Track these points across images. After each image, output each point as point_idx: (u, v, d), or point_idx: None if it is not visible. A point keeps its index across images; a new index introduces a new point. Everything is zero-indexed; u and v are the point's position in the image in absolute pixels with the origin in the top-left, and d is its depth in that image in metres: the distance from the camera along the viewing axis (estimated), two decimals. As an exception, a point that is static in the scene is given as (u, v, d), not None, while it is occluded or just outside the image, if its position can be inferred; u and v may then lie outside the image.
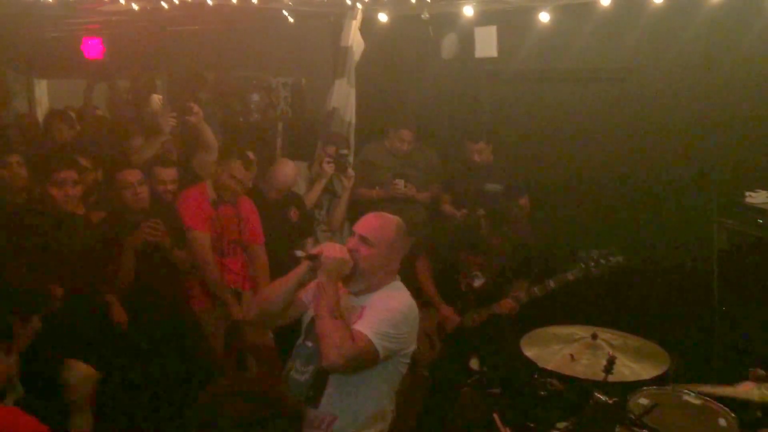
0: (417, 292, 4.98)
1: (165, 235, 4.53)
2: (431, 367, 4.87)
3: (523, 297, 4.82)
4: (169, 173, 4.83)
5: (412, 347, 3.06)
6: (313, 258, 2.99)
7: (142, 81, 7.61)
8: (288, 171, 5.35)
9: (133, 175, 4.60)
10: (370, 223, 3.13)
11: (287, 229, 5.32)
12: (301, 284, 3.13)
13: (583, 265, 4.60)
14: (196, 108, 5.19)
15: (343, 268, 2.97)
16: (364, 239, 3.06)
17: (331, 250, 2.98)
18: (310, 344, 3.10)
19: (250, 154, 5.24)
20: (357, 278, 3.06)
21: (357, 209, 5.95)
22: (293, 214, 5.40)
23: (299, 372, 3.08)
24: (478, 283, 4.77)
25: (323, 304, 2.89)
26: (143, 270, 4.55)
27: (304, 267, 3.06)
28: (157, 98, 7.27)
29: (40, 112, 7.73)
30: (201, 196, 4.81)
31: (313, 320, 3.04)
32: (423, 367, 4.95)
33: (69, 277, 4.06)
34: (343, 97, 6.14)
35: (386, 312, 2.93)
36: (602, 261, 4.57)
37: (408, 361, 3.07)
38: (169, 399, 4.24)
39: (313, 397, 2.99)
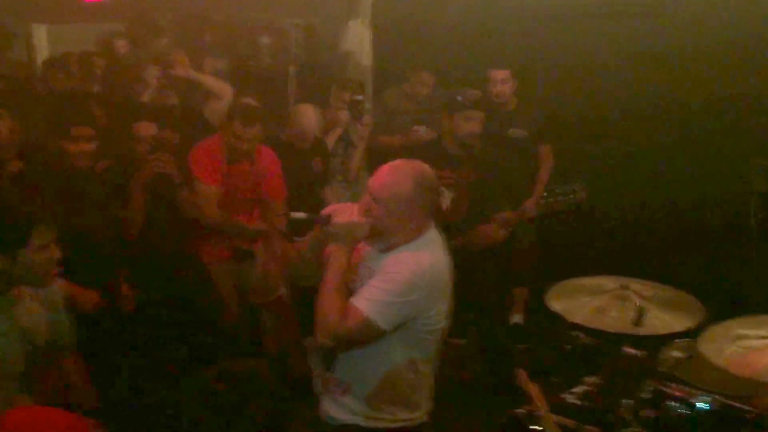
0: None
1: (174, 168, 4.48)
2: None
3: (499, 223, 4.71)
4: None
5: (438, 310, 2.87)
6: (322, 221, 2.87)
7: (144, 23, 7.56)
8: (310, 115, 5.26)
9: (147, 129, 4.58)
10: (382, 178, 2.88)
11: (310, 180, 5.31)
12: (321, 245, 2.99)
13: (542, 201, 4.55)
14: (178, 57, 5.16)
15: (356, 232, 2.85)
16: (374, 198, 2.86)
17: (341, 214, 2.87)
18: None
19: (251, 102, 5.23)
20: (376, 238, 2.91)
21: (376, 158, 5.96)
22: (317, 164, 5.37)
23: None
24: (445, 202, 4.68)
25: (329, 274, 2.80)
26: (152, 218, 4.51)
27: (317, 231, 2.96)
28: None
29: (40, 59, 7.71)
30: (214, 149, 4.74)
31: None
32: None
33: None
34: (358, 40, 6.10)
35: (389, 279, 2.75)
36: (560, 198, 4.49)
37: (438, 325, 2.89)
38: (176, 358, 4.28)
39: (328, 361, 2.98)
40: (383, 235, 2.88)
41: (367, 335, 2.77)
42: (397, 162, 2.93)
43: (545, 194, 4.54)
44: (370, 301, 2.73)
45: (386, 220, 2.84)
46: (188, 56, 5.74)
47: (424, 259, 2.83)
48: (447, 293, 2.92)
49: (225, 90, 5.49)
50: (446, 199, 4.70)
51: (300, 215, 2.93)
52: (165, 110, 5.26)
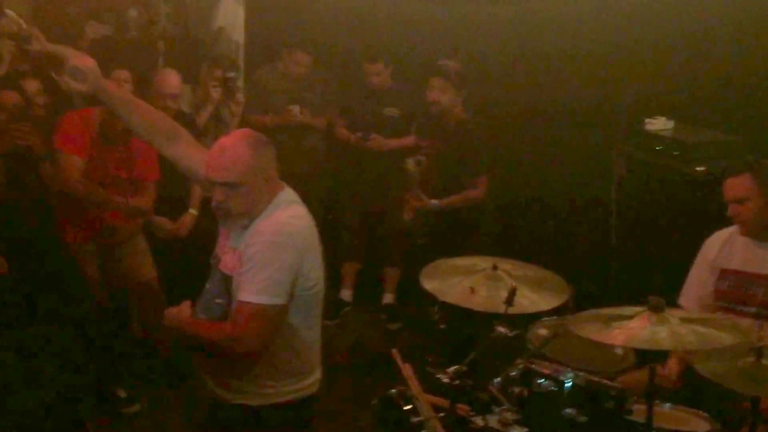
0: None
1: (38, 140, 4.31)
2: None
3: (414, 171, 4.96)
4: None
5: (311, 266, 2.82)
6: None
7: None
8: (172, 80, 5.08)
9: (9, 97, 4.38)
10: (217, 162, 2.76)
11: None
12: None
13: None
14: (32, 32, 4.92)
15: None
16: (228, 185, 2.74)
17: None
18: (220, 301, 2.88)
19: (123, 72, 5.04)
20: (236, 221, 2.83)
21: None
22: None
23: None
24: (410, 166, 4.91)
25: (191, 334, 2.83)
26: (10, 193, 4.34)
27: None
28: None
29: None
30: (85, 121, 4.52)
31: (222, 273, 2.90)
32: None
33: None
34: (231, 15, 5.97)
35: (254, 257, 2.71)
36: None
37: (315, 285, 2.84)
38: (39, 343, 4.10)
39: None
40: (243, 216, 2.81)
41: (274, 320, 2.71)
42: (223, 138, 2.88)
43: None
44: (251, 289, 2.68)
45: (248, 197, 2.76)
46: (52, 27, 5.47)
47: (281, 218, 2.78)
48: (317, 250, 2.88)
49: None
50: (410, 165, 4.92)
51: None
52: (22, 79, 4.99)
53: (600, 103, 5.49)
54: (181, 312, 2.83)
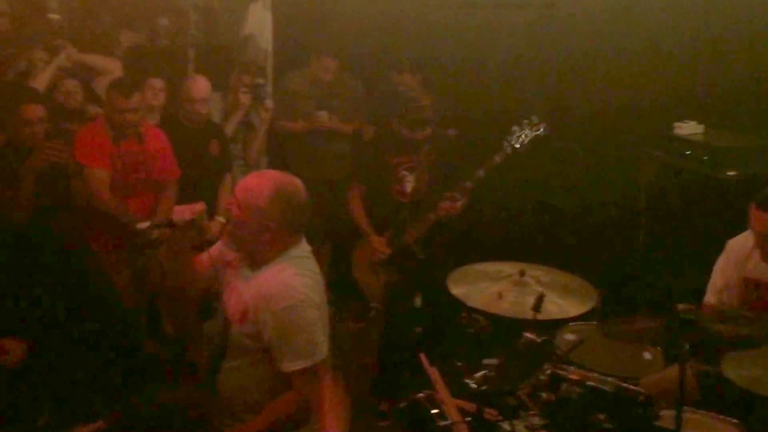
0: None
1: (69, 157, 4.40)
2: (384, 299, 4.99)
3: (457, 195, 4.82)
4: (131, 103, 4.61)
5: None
6: (168, 224, 2.87)
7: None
8: (201, 85, 5.19)
9: (35, 111, 4.38)
10: (246, 182, 2.89)
11: (207, 164, 5.23)
12: (179, 253, 3.01)
13: (506, 144, 4.69)
14: (63, 44, 5.07)
15: (197, 223, 2.90)
16: (236, 199, 2.85)
17: (180, 212, 2.88)
18: (217, 342, 2.98)
19: (157, 81, 5.14)
20: (237, 246, 2.91)
21: (277, 143, 5.95)
22: (214, 147, 5.28)
23: None
24: (409, 186, 4.83)
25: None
26: (41, 207, 4.39)
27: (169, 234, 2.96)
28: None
29: None
30: (98, 131, 4.65)
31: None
32: (374, 299, 5.06)
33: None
34: (259, 22, 6.03)
35: (285, 329, 2.75)
36: (523, 135, 4.66)
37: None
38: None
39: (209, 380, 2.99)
40: (241, 243, 2.87)
41: (322, 371, 2.81)
42: (269, 171, 2.96)
43: (506, 141, 4.71)
44: (291, 357, 2.75)
45: (241, 226, 2.83)
46: (84, 37, 5.58)
47: (287, 279, 2.80)
48: (325, 304, 2.94)
49: (114, 65, 5.40)
50: (410, 183, 4.86)
51: (143, 225, 2.93)
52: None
53: (629, 107, 5.48)
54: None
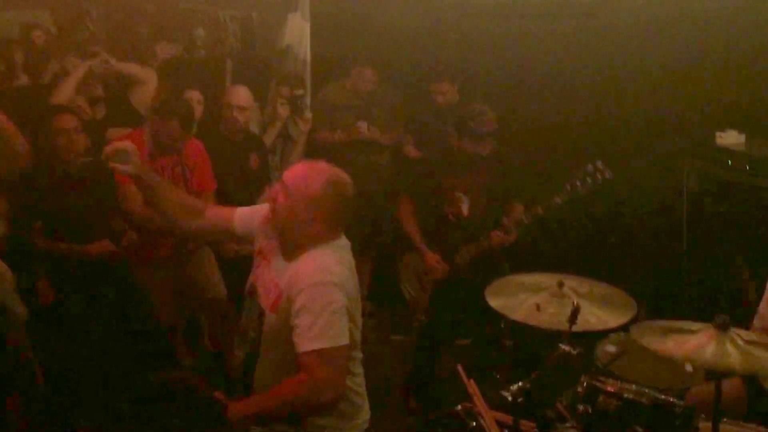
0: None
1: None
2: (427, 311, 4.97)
3: (511, 226, 4.77)
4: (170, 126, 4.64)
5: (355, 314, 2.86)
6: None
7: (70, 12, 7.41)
8: (242, 93, 5.20)
9: (69, 121, 4.46)
10: (297, 170, 2.85)
11: (246, 177, 5.24)
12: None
13: (569, 186, 4.59)
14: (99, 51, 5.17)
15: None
16: (284, 186, 2.81)
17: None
18: (252, 335, 2.97)
19: (195, 93, 5.22)
20: (279, 233, 2.87)
21: (316, 155, 5.99)
22: (253, 159, 5.29)
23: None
24: (465, 208, 4.79)
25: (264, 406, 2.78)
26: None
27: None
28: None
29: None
30: (136, 143, 4.68)
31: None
32: (419, 311, 5.05)
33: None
34: (297, 33, 6.05)
35: (313, 305, 2.68)
36: (588, 180, 4.57)
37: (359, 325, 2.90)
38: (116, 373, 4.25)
39: (248, 376, 2.98)
40: (284, 232, 2.84)
41: (341, 361, 2.72)
42: (319, 163, 2.89)
43: (569, 184, 4.57)
44: (310, 336, 2.66)
45: (287, 212, 2.79)
46: (120, 48, 5.69)
47: (327, 263, 2.77)
48: (359, 301, 2.89)
49: (149, 75, 5.47)
50: (465, 205, 4.80)
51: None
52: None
53: (670, 117, 5.45)
54: (240, 403, 2.79)
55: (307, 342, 2.66)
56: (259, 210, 3.05)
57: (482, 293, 3.43)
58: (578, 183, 4.55)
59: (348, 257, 2.90)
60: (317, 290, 2.69)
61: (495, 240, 4.79)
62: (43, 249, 4.34)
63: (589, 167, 4.57)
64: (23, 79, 5.79)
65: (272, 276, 2.89)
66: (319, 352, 2.65)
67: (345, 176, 2.87)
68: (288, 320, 2.74)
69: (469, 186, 4.85)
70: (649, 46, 5.51)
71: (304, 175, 2.80)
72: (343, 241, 2.92)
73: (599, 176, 4.54)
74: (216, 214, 3.17)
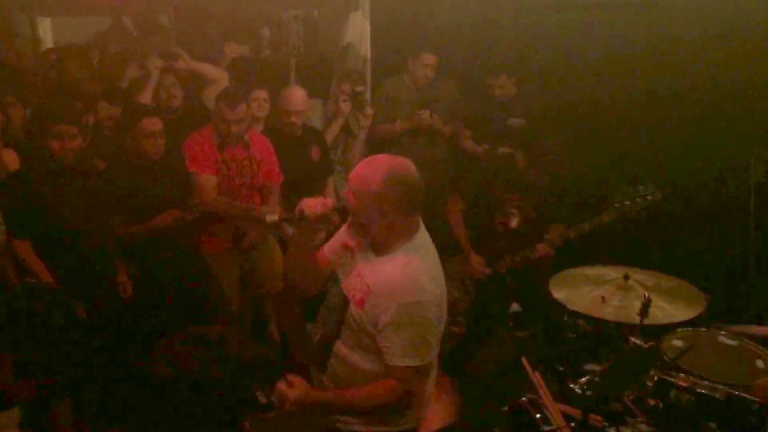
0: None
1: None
2: (467, 314, 4.95)
3: (557, 241, 4.76)
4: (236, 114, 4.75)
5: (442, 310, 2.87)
6: (301, 218, 2.81)
7: (144, 17, 7.55)
8: (296, 96, 5.23)
9: (155, 125, 4.57)
10: (358, 170, 2.82)
11: (309, 169, 5.30)
12: (305, 248, 2.98)
13: (617, 205, 4.53)
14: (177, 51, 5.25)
15: (325, 218, 2.82)
16: (350, 188, 2.81)
17: (309, 206, 2.80)
18: (335, 319, 2.97)
19: (261, 93, 5.26)
20: (361, 233, 2.88)
21: (376, 148, 5.97)
22: (315, 152, 5.35)
23: None
24: (514, 222, 4.77)
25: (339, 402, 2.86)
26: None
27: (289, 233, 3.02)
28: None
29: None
30: (205, 139, 4.78)
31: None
32: (459, 313, 5.00)
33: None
34: (358, 31, 6.07)
35: (401, 322, 2.69)
36: (637, 200, 4.51)
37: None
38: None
39: (322, 362, 3.00)
40: (362, 231, 2.85)
41: (423, 376, 2.82)
42: (379, 156, 2.87)
43: (618, 198, 4.54)
44: (397, 352, 2.72)
45: (358, 213, 2.80)
46: (192, 49, 5.74)
47: (420, 272, 2.77)
48: (445, 299, 2.89)
49: (220, 74, 5.53)
50: (516, 219, 4.80)
51: (271, 218, 2.96)
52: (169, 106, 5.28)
53: (736, 108, 5.28)
54: (301, 390, 2.83)
55: (399, 358, 2.73)
56: (337, 235, 3.08)
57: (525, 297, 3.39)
58: (627, 203, 4.50)
59: (434, 257, 2.90)
60: (411, 309, 2.71)
61: (539, 251, 4.78)
62: (121, 236, 4.45)
63: (640, 188, 4.53)
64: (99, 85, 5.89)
65: (361, 271, 2.89)
66: (412, 369, 2.74)
67: (404, 162, 2.82)
68: (370, 317, 2.77)
69: (523, 205, 4.84)
70: (711, 34, 5.34)
71: (363, 174, 2.79)
72: (424, 236, 2.91)
73: (650, 197, 4.47)
74: (324, 269, 3.10)
